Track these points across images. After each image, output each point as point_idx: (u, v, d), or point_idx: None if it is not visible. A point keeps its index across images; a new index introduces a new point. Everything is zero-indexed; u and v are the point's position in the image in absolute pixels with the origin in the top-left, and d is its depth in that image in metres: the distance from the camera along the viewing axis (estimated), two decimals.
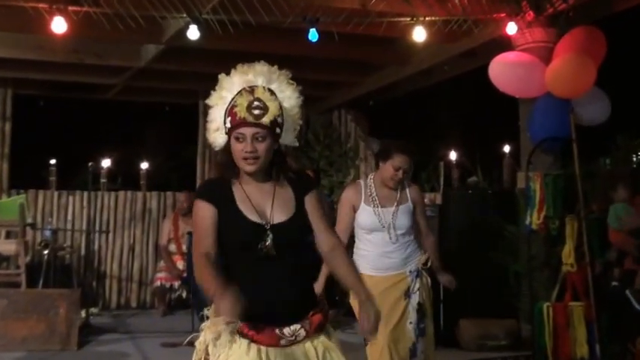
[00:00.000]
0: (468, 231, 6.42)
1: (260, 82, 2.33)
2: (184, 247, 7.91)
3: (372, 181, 4.05)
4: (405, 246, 3.98)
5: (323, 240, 2.41)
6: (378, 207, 3.97)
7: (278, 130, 2.33)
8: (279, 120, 2.33)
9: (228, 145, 2.35)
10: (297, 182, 2.42)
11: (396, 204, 3.99)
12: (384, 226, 3.94)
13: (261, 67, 2.37)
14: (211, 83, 2.42)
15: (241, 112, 2.28)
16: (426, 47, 6.90)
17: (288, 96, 2.37)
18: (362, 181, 4.10)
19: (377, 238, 3.96)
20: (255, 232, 2.27)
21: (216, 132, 2.37)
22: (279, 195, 2.36)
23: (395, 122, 10.84)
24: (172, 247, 8.13)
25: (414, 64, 7.69)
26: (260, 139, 2.30)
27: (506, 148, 7.51)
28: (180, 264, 8.01)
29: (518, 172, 6.36)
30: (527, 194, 5.64)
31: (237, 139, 2.31)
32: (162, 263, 8.19)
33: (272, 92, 2.33)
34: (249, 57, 2.50)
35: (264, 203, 2.33)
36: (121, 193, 8.88)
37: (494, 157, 7.83)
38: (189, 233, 7.43)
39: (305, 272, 2.38)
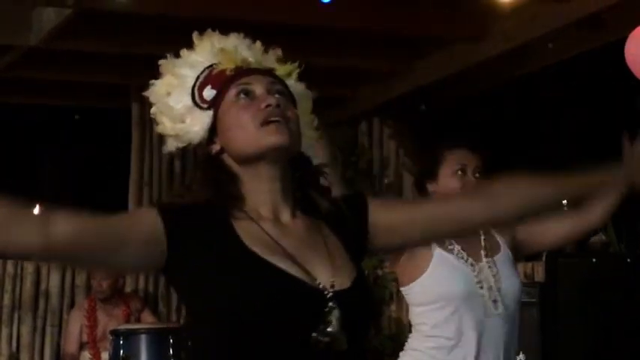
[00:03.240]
0: (593, 329, 6.40)
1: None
2: (106, 357, 7.84)
3: None
4: (513, 331, 3.96)
5: (465, 202, 2.48)
6: (462, 252, 3.94)
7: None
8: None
9: (210, 144, 2.34)
10: (335, 212, 2.38)
11: (484, 252, 3.98)
12: (483, 290, 3.89)
13: (236, 40, 2.46)
14: (150, 73, 2.44)
15: (235, 62, 2.37)
16: (518, 11, 6.91)
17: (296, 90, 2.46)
18: None
19: (468, 319, 3.86)
20: (305, 302, 2.16)
21: (182, 123, 2.37)
22: (330, 240, 2.32)
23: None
24: (86, 358, 8.08)
25: (495, 40, 7.69)
26: (281, 95, 2.34)
27: None
28: None
29: None
30: None
31: (242, 94, 2.32)
32: None
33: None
34: (215, 29, 2.53)
35: (306, 252, 2.25)
36: None
37: (637, 199, 7.80)
38: (115, 333, 7.38)
39: None
